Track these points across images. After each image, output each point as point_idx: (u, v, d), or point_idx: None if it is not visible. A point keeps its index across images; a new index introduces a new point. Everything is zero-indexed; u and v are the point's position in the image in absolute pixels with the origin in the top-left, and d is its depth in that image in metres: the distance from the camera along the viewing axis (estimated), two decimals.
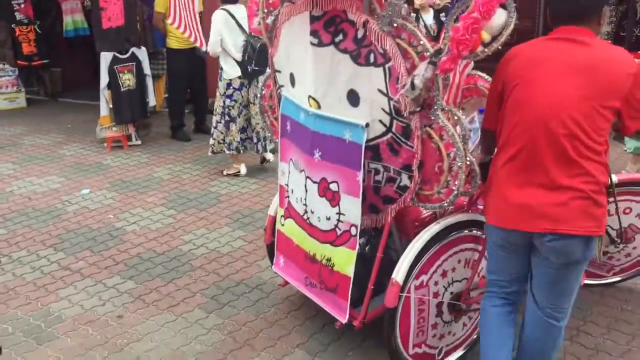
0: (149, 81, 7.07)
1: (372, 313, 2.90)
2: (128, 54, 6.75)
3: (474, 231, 2.84)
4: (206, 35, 5.96)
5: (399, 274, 2.65)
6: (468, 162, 2.46)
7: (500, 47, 2.34)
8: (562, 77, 2.25)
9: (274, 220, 3.47)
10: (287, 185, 3.24)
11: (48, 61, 9.20)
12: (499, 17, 2.28)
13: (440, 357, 3.01)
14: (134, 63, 6.81)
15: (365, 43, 2.53)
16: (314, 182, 2.94)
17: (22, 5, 8.66)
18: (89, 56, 9.27)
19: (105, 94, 6.74)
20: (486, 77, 3.38)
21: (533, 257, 2.43)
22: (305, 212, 3.07)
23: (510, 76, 2.37)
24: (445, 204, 2.56)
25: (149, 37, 7.33)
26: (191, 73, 6.94)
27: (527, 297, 2.54)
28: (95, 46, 6.78)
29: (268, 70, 3.44)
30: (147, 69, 7.00)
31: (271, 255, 3.53)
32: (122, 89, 6.74)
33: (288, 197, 3.24)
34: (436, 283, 2.81)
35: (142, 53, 6.92)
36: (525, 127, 2.29)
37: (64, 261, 4.18)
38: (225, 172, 6.06)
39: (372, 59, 2.52)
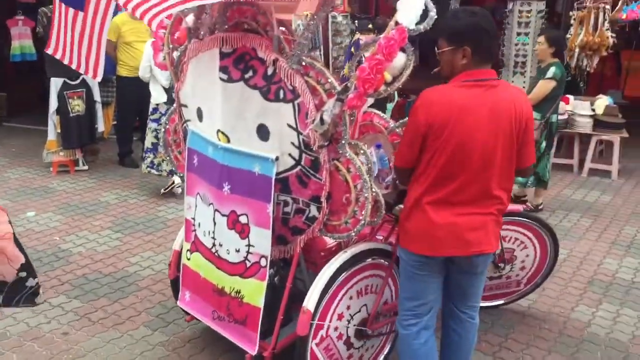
0: (99, 107, 7.11)
1: (281, 342, 2.94)
2: (78, 80, 6.76)
3: (377, 259, 2.99)
4: None
5: (309, 302, 2.72)
6: (374, 193, 2.62)
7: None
8: (489, 123, 2.41)
9: (178, 254, 3.43)
10: (193, 219, 3.24)
11: None
12: (399, 59, 2.48)
13: None
14: (84, 89, 6.84)
15: (275, 80, 2.64)
16: (223, 215, 2.97)
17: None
18: (35, 81, 9.54)
19: (53, 119, 6.74)
20: (382, 114, 3.62)
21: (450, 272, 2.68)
22: (214, 245, 3.08)
23: (437, 121, 2.40)
24: (353, 234, 2.69)
25: None
26: (140, 101, 6.82)
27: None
28: (41, 71, 6.70)
29: (172, 106, 3.45)
30: (97, 96, 7.04)
31: (175, 291, 3.48)
32: (71, 115, 6.75)
33: (194, 230, 3.23)
34: (344, 310, 2.91)
35: (92, 80, 6.82)
36: (457, 168, 2.44)
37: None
38: (162, 191, 6.11)
39: (281, 95, 2.64)
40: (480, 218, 2.50)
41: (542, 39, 5.55)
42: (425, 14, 2.48)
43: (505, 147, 2.45)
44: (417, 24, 2.44)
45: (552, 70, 5.42)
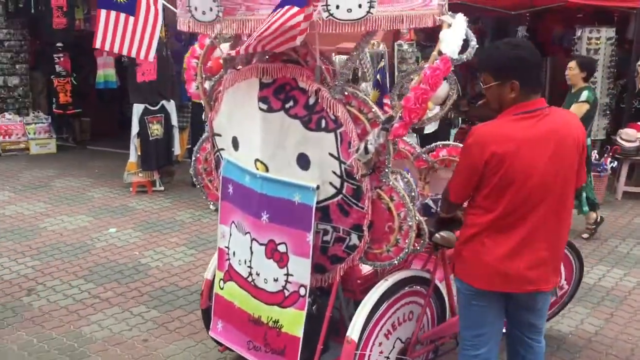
0: (176, 132, 7.51)
1: None
2: (158, 106, 7.21)
3: (415, 287, 2.99)
4: None
5: (353, 331, 2.71)
6: (417, 221, 2.62)
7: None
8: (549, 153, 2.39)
9: (210, 284, 3.41)
10: (227, 247, 3.23)
11: (80, 110, 9.71)
12: (442, 88, 2.52)
13: None
14: (163, 115, 7.26)
15: (317, 109, 2.66)
16: (261, 244, 2.96)
17: (62, 59, 9.23)
18: (115, 108, 10.48)
19: (135, 142, 7.16)
20: (407, 140, 3.65)
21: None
22: (250, 274, 3.06)
23: (495, 158, 2.36)
24: (395, 262, 2.69)
25: (177, 91, 7.70)
26: None
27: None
28: (121, 99, 7.28)
29: (203, 136, 3.47)
30: (174, 121, 7.44)
31: (207, 320, 3.45)
32: (151, 138, 7.19)
33: (229, 259, 3.22)
34: (385, 338, 2.90)
35: (170, 106, 7.37)
36: (519, 203, 2.40)
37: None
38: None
39: (323, 125, 2.65)
40: (542, 254, 2.46)
41: (573, 64, 5.58)
42: (466, 43, 2.52)
43: (567, 174, 2.44)
44: (459, 53, 2.48)
45: (584, 94, 5.45)
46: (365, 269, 3.16)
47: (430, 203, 3.27)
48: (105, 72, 9.49)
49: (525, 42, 2.55)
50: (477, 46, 2.52)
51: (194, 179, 3.59)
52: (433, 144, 3.68)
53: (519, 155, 2.35)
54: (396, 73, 7.56)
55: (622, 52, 8.07)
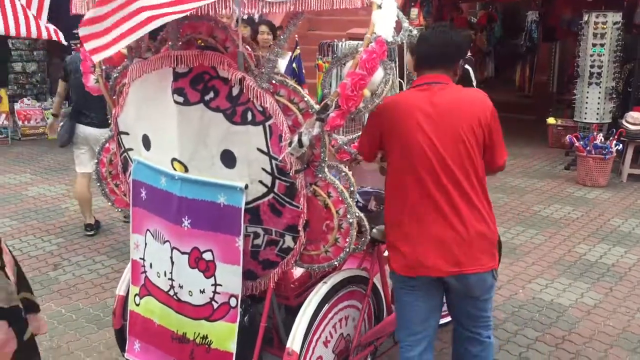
0: None
1: None
2: None
3: (353, 287, 2.81)
4: None
5: (294, 341, 2.48)
6: (357, 218, 2.43)
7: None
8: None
9: (124, 300, 3.05)
10: (142, 259, 2.88)
11: None
12: (378, 73, 2.34)
13: None
14: None
15: (242, 101, 2.39)
16: (183, 253, 2.65)
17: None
18: None
19: None
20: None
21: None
22: (172, 287, 2.74)
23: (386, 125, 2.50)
24: (335, 263, 2.49)
25: None
26: None
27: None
28: None
29: (107, 134, 3.10)
30: None
31: (121, 341, 3.09)
32: None
33: (145, 272, 2.88)
34: (324, 346, 2.70)
35: None
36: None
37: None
38: None
39: (249, 118, 2.39)
40: (452, 232, 2.39)
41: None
42: (399, 26, 2.37)
43: (452, 147, 2.41)
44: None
45: None
46: (298, 271, 2.94)
47: (358, 197, 3.10)
48: None
49: (443, 26, 2.60)
50: (410, 29, 2.38)
51: (98, 184, 3.19)
52: (355, 135, 3.51)
53: (397, 118, 2.46)
54: (405, 59, 7.35)
55: (629, 36, 8.14)
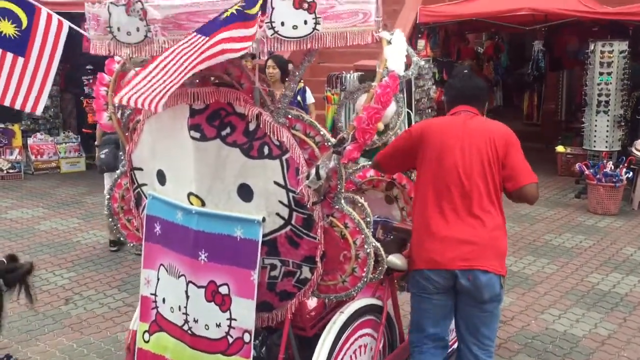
0: None
1: None
2: None
3: (368, 316, 2.83)
4: None
5: None
6: (374, 248, 2.48)
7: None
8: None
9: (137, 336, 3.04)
10: (154, 294, 2.88)
11: None
12: (391, 107, 2.41)
13: None
14: None
15: (258, 135, 2.45)
16: (200, 287, 2.67)
17: (91, 81, 9.00)
18: None
19: None
20: None
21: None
22: (186, 321, 2.74)
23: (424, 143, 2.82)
24: (353, 293, 2.52)
25: None
26: None
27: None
28: None
29: (118, 171, 3.13)
30: None
31: None
32: None
33: (156, 308, 2.88)
34: None
35: None
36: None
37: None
38: None
39: (266, 152, 2.45)
40: (470, 234, 2.67)
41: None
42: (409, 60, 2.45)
43: (475, 163, 2.73)
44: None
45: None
46: (312, 302, 2.96)
47: None
48: None
49: (461, 73, 3.15)
50: (420, 63, 2.46)
51: (109, 220, 3.21)
52: (360, 165, 3.57)
53: (436, 135, 2.79)
54: (413, 89, 7.49)
55: (637, 65, 8.16)
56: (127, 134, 2.97)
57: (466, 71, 3.17)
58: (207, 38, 2.02)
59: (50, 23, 3.59)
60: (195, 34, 2.07)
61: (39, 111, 3.88)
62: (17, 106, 3.76)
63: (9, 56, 3.64)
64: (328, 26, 2.23)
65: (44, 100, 3.83)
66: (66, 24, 3.79)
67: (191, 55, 2.03)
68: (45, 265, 5.48)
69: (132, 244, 3.24)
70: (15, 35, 3.53)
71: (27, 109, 3.83)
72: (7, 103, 3.76)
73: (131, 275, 5.21)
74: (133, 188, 2.99)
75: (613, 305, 4.62)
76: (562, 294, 4.82)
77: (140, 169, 2.89)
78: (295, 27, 2.18)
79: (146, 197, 2.91)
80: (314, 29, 2.20)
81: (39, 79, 3.68)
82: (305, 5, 2.15)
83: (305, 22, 2.18)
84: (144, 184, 2.90)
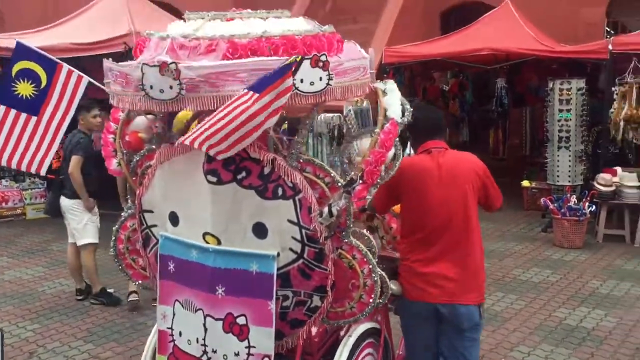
0: None
1: None
2: None
3: (370, 339, 3.10)
4: None
5: None
6: (380, 276, 2.76)
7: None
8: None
9: None
10: (170, 328, 3.05)
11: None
12: (390, 151, 2.72)
13: None
14: None
15: (273, 178, 2.69)
16: (217, 319, 2.86)
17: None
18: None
19: None
20: None
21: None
22: (205, 352, 2.93)
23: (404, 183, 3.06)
24: (361, 317, 2.79)
25: None
26: None
27: None
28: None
29: (124, 214, 3.29)
30: None
31: None
32: None
33: (173, 341, 3.05)
34: None
35: None
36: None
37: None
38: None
39: (280, 193, 2.69)
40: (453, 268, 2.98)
41: None
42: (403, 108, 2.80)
43: (458, 199, 3.02)
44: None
45: None
46: (314, 328, 3.19)
47: None
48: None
49: (425, 107, 3.70)
50: (412, 110, 2.81)
51: (115, 260, 3.36)
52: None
53: (413, 178, 3.05)
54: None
55: (594, 101, 8.47)
56: (134, 178, 3.15)
57: (419, 101, 3.52)
58: (258, 95, 2.28)
59: (69, 79, 3.68)
60: (246, 90, 2.33)
61: (42, 171, 3.92)
62: (23, 168, 3.82)
63: (22, 116, 3.73)
64: (338, 81, 2.54)
65: (49, 160, 3.90)
66: (85, 79, 3.87)
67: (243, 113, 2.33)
68: (9, 317, 5.41)
69: (136, 282, 3.39)
70: (32, 95, 3.60)
71: (32, 170, 3.87)
72: (13, 165, 3.82)
73: (97, 325, 5.21)
74: (141, 229, 3.16)
75: (580, 340, 4.75)
76: (531, 330, 4.95)
77: (151, 211, 3.07)
78: (312, 83, 2.47)
79: (156, 238, 3.09)
80: (328, 84, 2.49)
81: (48, 140, 3.76)
82: (321, 64, 2.45)
83: (320, 79, 2.48)
84: (154, 225, 3.08)
